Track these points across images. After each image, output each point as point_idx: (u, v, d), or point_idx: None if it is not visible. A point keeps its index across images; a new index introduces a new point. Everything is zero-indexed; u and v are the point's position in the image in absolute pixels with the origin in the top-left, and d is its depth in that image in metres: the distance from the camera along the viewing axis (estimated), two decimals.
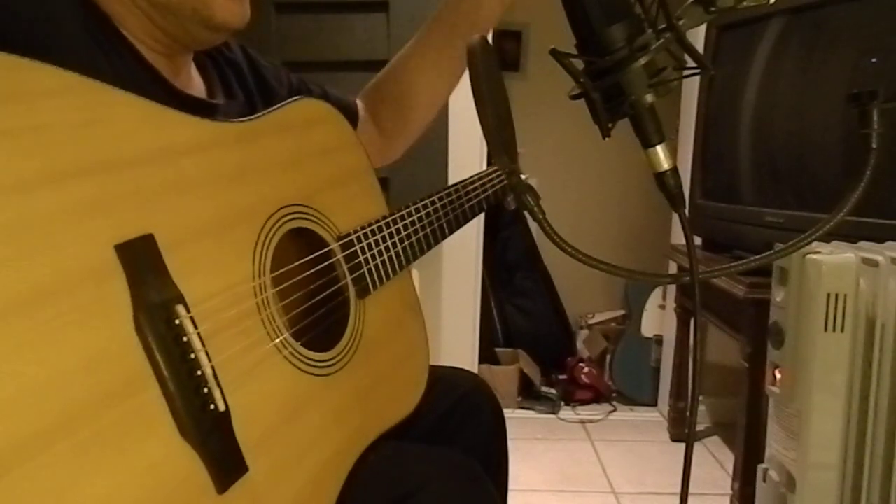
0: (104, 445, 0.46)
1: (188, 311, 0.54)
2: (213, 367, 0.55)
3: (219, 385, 0.55)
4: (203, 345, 0.54)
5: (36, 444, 0.42)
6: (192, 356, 0.53)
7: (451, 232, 0.92)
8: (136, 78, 0.71)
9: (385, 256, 0.81)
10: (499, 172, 1.02)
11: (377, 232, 0.81)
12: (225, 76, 0.89)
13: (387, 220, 0.83)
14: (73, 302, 0.46)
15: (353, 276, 0.77)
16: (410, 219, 0.86)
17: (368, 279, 0.79)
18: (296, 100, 0.77)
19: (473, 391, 0.99)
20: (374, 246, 0.80)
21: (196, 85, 0.82)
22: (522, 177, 0.76)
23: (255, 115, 0.71)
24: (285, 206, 0.70)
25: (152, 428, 0.49)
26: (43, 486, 0.42)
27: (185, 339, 0.53)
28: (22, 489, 0.41)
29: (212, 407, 0.54)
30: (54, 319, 0.44)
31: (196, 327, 0.54)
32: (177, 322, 0.53)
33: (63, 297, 0.45)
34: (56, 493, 0.42)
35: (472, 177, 0.99)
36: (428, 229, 0.88)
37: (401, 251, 0.83)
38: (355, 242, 0.78)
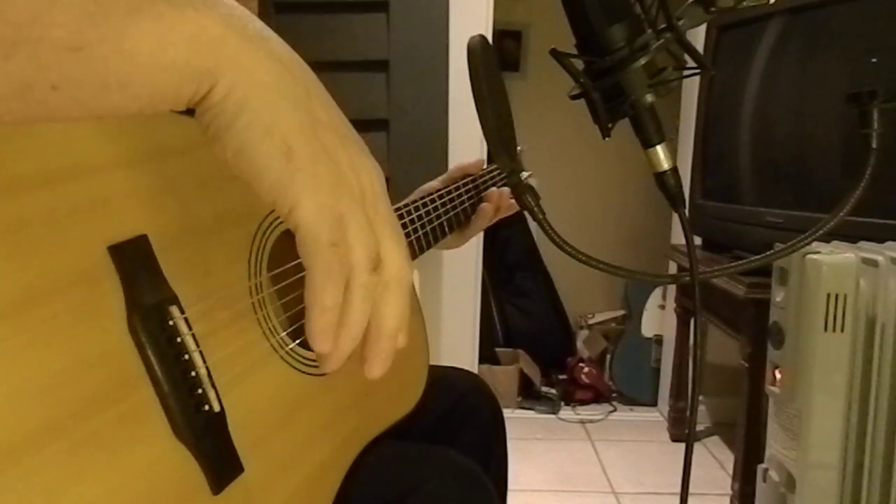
0: (97, 447, 0.45)
1: (182, 311, 0.53)
2: (207, 368, 0.54)
3: (213, 386, 0.55)
4: (197, 345, 0.54)
5: (28, 446, 0.41)
6: (187, 357, 0.53)
7: (450, 232, 0.92)
8: None
9: None
10: (497, 172, 1.02)
11: None
12: None
13: None
14: (65, 304, 0.45)
15: None
16: (409, 217, 0.85)
17: None
18: None
19: (473, 391, 0.99)
20: None
21: None
22: (525, 173, 0.75)
23: None
24: None
25: (146, 429, 0.49)
26: (35, 488, 0.41)
27: (179, 340, 0.52)
28: (13, 491, 0.40)
29: (206, 408, 0.54)
30: (47, 322, 0.44)
31: (190, 328, 0.53)
32: (171, 323, 0.52)
33: (55, 300, 0.44)
34: (48, 495, 0.42)
35: (470, 177, 0.99)
36: (427, 228, 0.87)
37: None
38: None
